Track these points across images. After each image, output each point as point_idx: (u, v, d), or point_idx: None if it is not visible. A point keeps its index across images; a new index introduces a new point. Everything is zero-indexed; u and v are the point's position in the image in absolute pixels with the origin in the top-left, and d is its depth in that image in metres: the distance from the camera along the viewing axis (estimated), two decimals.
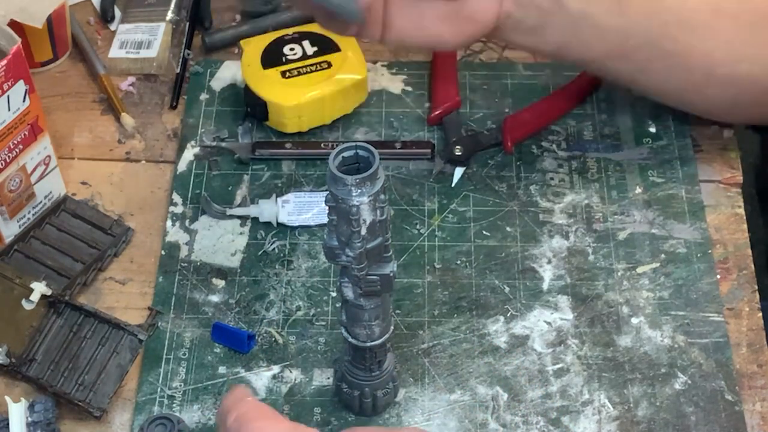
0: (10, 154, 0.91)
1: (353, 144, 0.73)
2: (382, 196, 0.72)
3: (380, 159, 0.72)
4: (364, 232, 0.72)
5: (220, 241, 0.96)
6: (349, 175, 0.71)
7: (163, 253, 0.95)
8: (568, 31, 0.87)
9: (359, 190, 0.71)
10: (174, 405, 0.87)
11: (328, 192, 0.72)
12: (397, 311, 0.91)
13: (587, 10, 0.86)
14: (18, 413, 0.83)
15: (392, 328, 0.81)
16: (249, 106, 1.03)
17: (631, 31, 0.88)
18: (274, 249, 0.95)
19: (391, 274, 0.76)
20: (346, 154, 0.73)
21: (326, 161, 1.00)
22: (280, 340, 0.90)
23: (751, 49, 0.89)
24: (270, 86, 1.01)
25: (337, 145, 1.01)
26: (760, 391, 0.86)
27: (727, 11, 0.88)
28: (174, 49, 1.10)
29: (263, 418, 0.72)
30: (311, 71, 1.01)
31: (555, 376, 0.87)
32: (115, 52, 1.10)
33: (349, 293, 0.77)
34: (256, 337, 0.90)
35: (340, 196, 0.71)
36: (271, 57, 1.02)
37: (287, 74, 1.01)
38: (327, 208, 0.73)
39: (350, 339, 0.80)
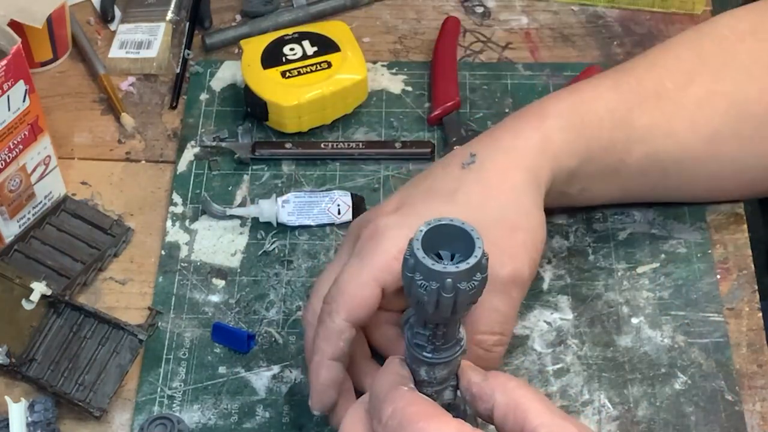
0: (10, 154, 0.91)
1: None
2: None
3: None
4: None
5: (220, 241, 0.96)
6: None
7: (163, 253, 0.95)
8: (570, 202, 0.91)
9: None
10: (174, 405, 0.87)
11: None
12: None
13: (587, 187, 0.89)
14: (18, 413, 0.83)
15: None
16: (249, 106, 1.03)
17: (630, 185, 0.90)
18: (274, 249, 0.95)
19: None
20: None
21: (326, 161, 1.01)
22: (280, 340, 0.90)
23: (754, 159, 0.90)
24: (270, 86, 1.01)
25: (337, 146, 1.01)
26: (760, 391, 0.86)
27: (725, 134, 0.88)
28: (174, 49, 1.10)
29: (427, 418, 0.66)
30: (311, 71, 1.01)
31: (555, 376, 0.87)
32: (115, 52, 1.10)
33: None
34: (256, 337, 0.90)
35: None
36: (271, 57, 1.02)
37: (287, 74, 1.01)
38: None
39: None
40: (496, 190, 0.82)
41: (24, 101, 0.89)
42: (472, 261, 0.65)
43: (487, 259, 0.67)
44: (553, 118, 0.85)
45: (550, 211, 0.95)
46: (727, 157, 0.89)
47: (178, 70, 1.08)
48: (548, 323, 0.90)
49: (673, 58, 0.89)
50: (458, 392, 0.73)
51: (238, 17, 1.13)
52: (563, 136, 0.85)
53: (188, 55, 1.09)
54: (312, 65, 1.02)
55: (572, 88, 0.88)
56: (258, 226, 0.97)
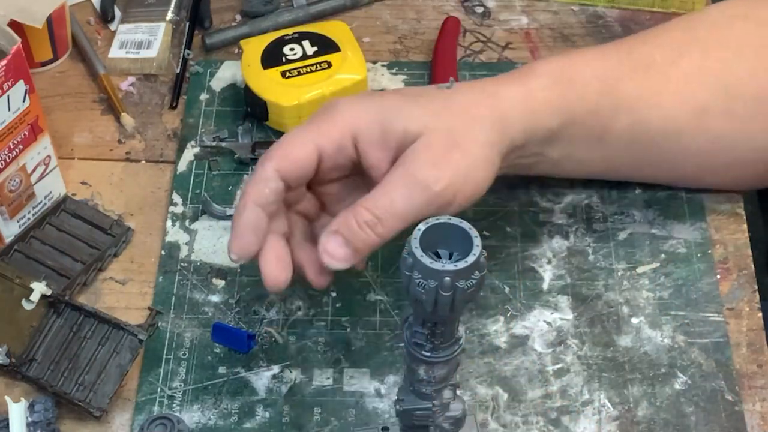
0: (10, 154, 0.91)
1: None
2: None
3: None
4: None
5: (220, 241, 0.96)
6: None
7: (163, 253, 0.95)
8: (554, 169, 0.91)
9: None
10: (174, 405, 0.87)
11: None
12: (396, 311, 0.91)
13: (570, 152, 0.89)
14: (18, 413, 0.83)
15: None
16: (249, 106, 1.03)
17: (615, 155, 0.90)
18: None
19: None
20: None
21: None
22: (280, 340, 0.90)
23: (745, 139, 0.90)
24: (270, 86, 1.01)
25: None
26: (760, 391, 0.86)
27: (715, 111, 0.88)
28: (174, 49, 1.10)
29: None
30: (311, 71, 1.01)
31: (555, 376, 0.87)
32: (115, 52, 1.10)
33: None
34: (256, 337, 0.90)
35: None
36: (271, 57, 1.02)
37: (287, 74, 1.01)
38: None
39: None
40: (456, 113, 0.83)
41: (24, 101, 0.89)
42: (470, 259, 0.65)
43: (486, 258, 0.67)
44: (539, 77, 0.86)
45: (550, 210, 0.96)
46: (716, 133, 0.89)
47: (178, 70, 1.08)
48: (548, 323, 0.90)
49: (664, 36, 0.91)
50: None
51: (238, 17, 1.13)
52: (546, 94, 0.86)
53: (188, 55, 1.09)
54: (312, 65, 1.02)
55: (563, 53, 0.91)
56: None
